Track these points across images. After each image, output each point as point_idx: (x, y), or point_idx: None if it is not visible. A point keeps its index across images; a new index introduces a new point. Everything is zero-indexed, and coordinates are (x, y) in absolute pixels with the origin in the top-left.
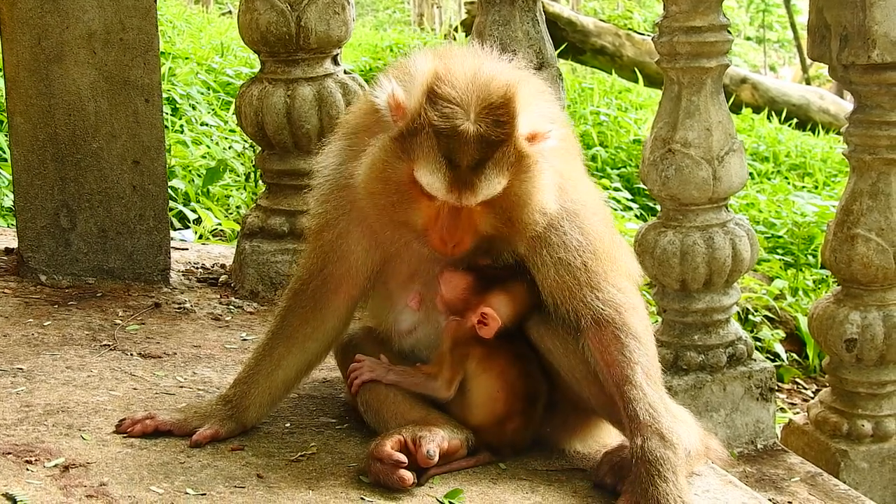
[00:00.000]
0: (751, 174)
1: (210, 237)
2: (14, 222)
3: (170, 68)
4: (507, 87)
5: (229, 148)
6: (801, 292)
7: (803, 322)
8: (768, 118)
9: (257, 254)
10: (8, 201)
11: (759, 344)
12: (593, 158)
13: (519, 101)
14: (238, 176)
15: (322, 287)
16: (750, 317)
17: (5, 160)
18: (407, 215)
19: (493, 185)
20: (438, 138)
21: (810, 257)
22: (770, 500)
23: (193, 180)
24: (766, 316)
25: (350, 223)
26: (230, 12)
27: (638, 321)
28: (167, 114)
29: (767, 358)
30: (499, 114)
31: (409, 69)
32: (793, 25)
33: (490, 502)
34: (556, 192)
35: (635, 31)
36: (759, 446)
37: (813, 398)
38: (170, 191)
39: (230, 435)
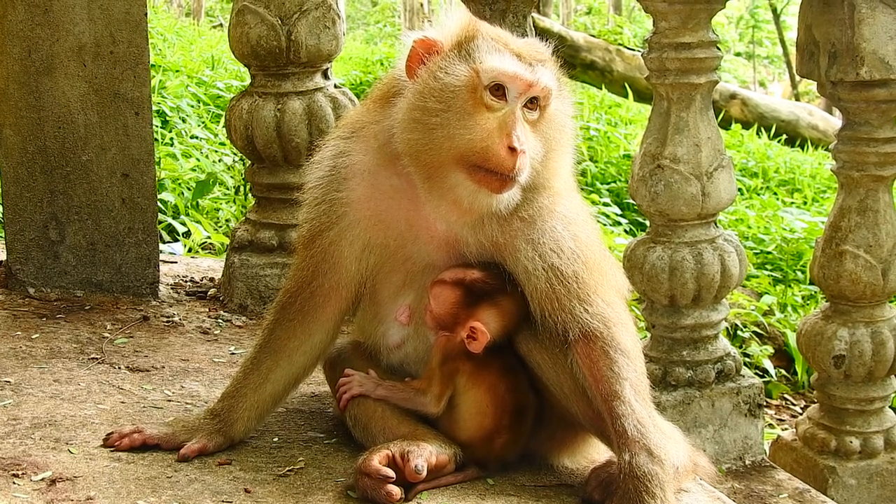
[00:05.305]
0: (740, 190)
1: (199, 250)
2: (2, 234)
3: (160, 81)
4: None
5: (219, 161)
6: (789, 308)
7: (792, 338)
8: (757, 134)
9: (246, 267)
10: None
11: (747, 360)
12: (583, 173)
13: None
14: (228, 189)
15: (310, 300)
16: (738, 332)
17: None
18: (463, 134)
19: (553, 79)
20: (500, 37)
21: (799, 273)
22: None
23: (183, 193)
24: (754, 332)
25: (343, 228)
26: (221, 25)
27: (627, 337)
28: (157, 126)
29: (756, 374)
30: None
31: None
32: (782, 42)
33: None
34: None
35: (625, 47)
36: (747, 462)
37: (801, 414)
38: (159, 204)
39: (218, 449)
